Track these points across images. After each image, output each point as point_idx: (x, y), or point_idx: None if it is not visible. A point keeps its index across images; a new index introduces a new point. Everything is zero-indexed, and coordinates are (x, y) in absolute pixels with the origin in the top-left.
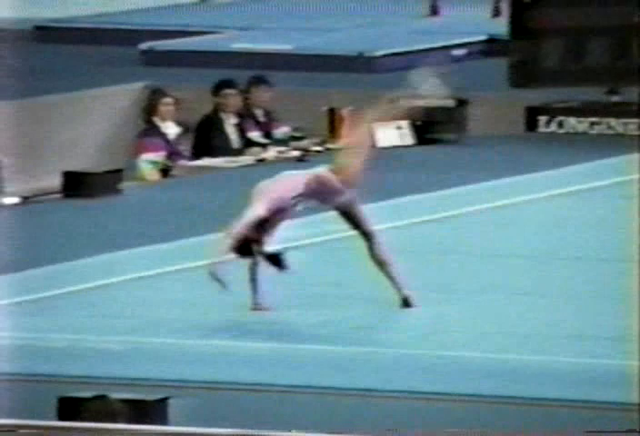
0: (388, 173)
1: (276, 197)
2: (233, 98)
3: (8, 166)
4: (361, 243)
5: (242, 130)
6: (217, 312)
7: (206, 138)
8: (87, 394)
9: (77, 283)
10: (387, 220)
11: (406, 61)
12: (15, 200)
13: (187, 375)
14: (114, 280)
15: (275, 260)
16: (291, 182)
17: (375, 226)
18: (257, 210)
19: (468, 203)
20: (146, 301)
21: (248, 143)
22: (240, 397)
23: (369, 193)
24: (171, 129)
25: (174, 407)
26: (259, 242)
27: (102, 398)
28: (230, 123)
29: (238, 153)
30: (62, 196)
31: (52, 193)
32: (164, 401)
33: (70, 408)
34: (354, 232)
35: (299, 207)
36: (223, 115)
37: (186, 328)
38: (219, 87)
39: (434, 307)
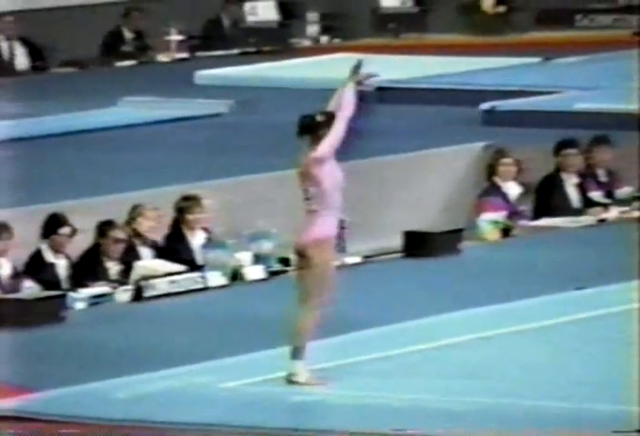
0: None
1: None
2: (574, 158)
3: (350, 226)
4: None
5: (583, 190)
6: (553, 374)
7: (547, 198)
8: None
9: (415, 343)
10: None
11: None
12: (356, 259)
13: None
14: (451, 340)
15: None
16: None
17: None
18: None
19: None
20: (483, 362)
21: (589, 203)
22: None
23: None
24: (512, 189)
25: None
26: None
27: None
28: (571, 183)
29: (579, 212)
30: (402, 256)
31: (393, 252)
32: None
33: None
34: None
35: None
36: (564, 175)
37: (525, 391)
38: (561, 147)
39: None
